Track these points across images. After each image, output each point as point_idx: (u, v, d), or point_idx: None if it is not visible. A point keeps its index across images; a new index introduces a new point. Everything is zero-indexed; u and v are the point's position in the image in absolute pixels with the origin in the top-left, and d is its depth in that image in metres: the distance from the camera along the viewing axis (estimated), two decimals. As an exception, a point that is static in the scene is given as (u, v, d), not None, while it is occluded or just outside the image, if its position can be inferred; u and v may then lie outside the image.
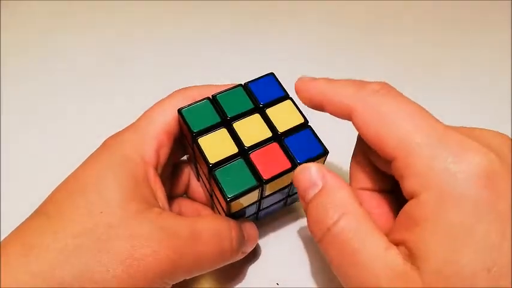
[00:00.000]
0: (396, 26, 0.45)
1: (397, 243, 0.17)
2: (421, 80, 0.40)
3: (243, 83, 0.25)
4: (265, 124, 0.24)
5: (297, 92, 0.23)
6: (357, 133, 0.21)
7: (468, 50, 0.43)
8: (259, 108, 0.24)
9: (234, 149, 0.23)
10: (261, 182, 0.22)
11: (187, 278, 0.21)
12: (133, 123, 0.24)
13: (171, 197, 0.28)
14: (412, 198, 0.17)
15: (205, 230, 0.21)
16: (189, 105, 0.24)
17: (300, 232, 0.30)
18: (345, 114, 0.20)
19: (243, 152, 0.23)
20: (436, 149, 0.17)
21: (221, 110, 0.24)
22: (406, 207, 0.18)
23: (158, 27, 0.45)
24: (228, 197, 0.21)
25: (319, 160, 0.23)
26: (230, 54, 0.42)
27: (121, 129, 0.24)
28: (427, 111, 0.19)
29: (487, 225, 0.15)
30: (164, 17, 0.46)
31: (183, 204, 0.28)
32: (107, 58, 0.42)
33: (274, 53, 0.42)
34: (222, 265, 0.23)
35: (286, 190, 0.25)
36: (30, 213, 0.21)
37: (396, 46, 0.43)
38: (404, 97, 0.19)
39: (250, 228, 0.25)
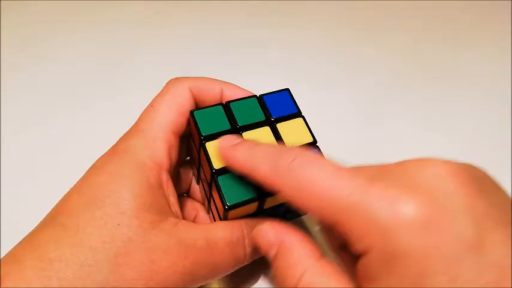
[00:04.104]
0: (396, 26, 0.45)
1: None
2: (421, 80, 0.40)
3: (257, 95, 0.25)
4: (274, 138, 0.24)
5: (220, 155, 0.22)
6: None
7: (468, 50, 0.43)
8: (270, 122, 0.24)
9: None
10: (262, 195, 0.22)
11: (204, 283, 0.22)
12: (138, 124, 0.23)
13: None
14: (359, 257, 0.17)
15: (221, 239, 0.21)
16: (201, 108, 0.24)
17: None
18: (272, 190, 0.19)
19: None
20: (365, 208, 0.16)
21: (232, 118, 0.24)
22: (359, 264, 0.17)
23: (159, 27, 0.45)
24: (227, 205, 0.21)
25: None
26: (230, 54, 0.43)
27: (126, 132, 0.23)
28: (342, 168, 0.18)
29: (435, 273, 0.14)
30: (165, 17, 0.46)
31: (183, 203, 0.28)
32: (108, 58, 0.42)
33: (275, 53, 0.43)
34: (235, 269, 0.23)
35: (283, 208, 0.25)
36: (28, 214, 0.20)
37: (396, 47, 0.43)
38: (318, 159, 0.18)
39: None
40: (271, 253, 0.20)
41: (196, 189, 0.29)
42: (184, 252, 0.20)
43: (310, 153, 0.19)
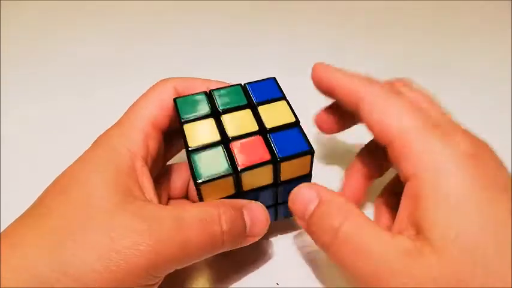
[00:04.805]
0: (396, 25, 0.46)
1: (401, 231, 0.20)
2: (421, 79, 0.39)
3: (242, 83, 0.26)
4: (254, 119, 0.23)
5: (313, 72, 0.26)
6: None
7: (468, 49, 0.43)
8: (252, 105, 0.24)
9: (217, 137, 0.22)
10: (235, 170, 0.21)
11: (178, 267, 0.20)
12: (120, 118, 0.24)
13: (171, 199, 0.28)
14: (408, 180, 0.20)
15: (190, 216, 0.20)
16: (184, 95, 0.25)
17: (300, 232, 0.28)
18: (352, 101, 0.23)
19: (225, 141, 0.22)
20: (430, 133, 0.20)
21: (214, 103, 0.24)
22: (408, 188, 0.20)
23: (158, 26, 0.47)
24: (198, 180, 0.21)
25: (303, 158, 0.22)
26: (230, 54, 0.43)
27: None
28: (422, 109, 0.22)
29: (479, 192, 0.18)
30: (164, 16, 0.48)
31: (179, 204, 0.27)
32: (108, 58, 0.43)
33: (274, 53, 0.43)
34: (216, 252, 0.21)
35: (272, 193, 0.24)
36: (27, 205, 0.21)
37: (396, 45, 0.44)
38: (405, 96, 0.22)
39: (256, 209, 0.23)
40: (310, 207, 0.21)
41: (193, 189, 0.29)
42: (149, 231, 0.19)
43: (397, 89, 0.23)
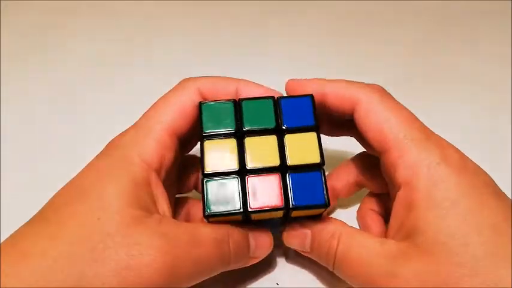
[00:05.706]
0: (396, 28, 0.45)
1: (394, 237, 0.21)
2: (421, 81, 0.40)
3: (275, 96, 0.23)
4: (277, 150, 0.22)
5: (288, 91, 0.24)
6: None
7: (467, 50, 0.42)
8: (279, 131, 0.22)
9: (235, 166, 0.21)
10: (245, 210, 0.21)
11: (187, 285, 0.20)
12: (137, 121, 0.23)
13: (180, 192, 0.27)
14: (401, 187, 0.21)
15: (204, 233, 0.21)
16: (211, 101, 0.23)
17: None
18: (348, 106, 0.23)
19: (242, 172, 0.21)
20: (424, 145, 0.21)
21: (240, 119, 0.22)
22: (400, 196, 0.21)
23: (163, 27, 0.44)
24: (207, 213, 0.21)
25: (316, 211, 0.21)
26: (229, 54, 0.42)
27: (124, 130, 0.23)
28: (416, 118, 0.22)
29: (468, 198, 0.19)
30: (167, 18, 0.45)
31: (191, 204, 0.27)
32: (111, 58, 0.41)
33: (274, 54, 0.42)
34: (221, 271, 0.22)
35: (280, 220, 0.24)
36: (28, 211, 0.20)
37: (396, 48, 0.43)
38: (399, 103, 0.23)
39: (261, 234, 0.24)
40: (307, 241, 0.23)
41: None
42: (167, 248, 0.19)
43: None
